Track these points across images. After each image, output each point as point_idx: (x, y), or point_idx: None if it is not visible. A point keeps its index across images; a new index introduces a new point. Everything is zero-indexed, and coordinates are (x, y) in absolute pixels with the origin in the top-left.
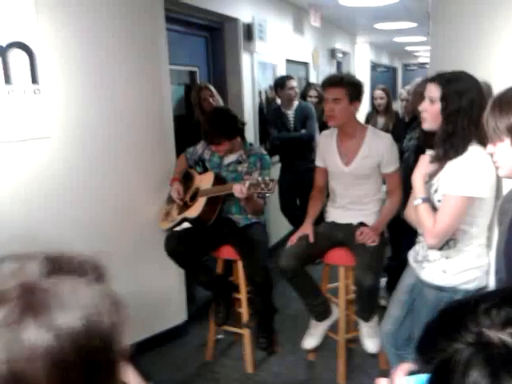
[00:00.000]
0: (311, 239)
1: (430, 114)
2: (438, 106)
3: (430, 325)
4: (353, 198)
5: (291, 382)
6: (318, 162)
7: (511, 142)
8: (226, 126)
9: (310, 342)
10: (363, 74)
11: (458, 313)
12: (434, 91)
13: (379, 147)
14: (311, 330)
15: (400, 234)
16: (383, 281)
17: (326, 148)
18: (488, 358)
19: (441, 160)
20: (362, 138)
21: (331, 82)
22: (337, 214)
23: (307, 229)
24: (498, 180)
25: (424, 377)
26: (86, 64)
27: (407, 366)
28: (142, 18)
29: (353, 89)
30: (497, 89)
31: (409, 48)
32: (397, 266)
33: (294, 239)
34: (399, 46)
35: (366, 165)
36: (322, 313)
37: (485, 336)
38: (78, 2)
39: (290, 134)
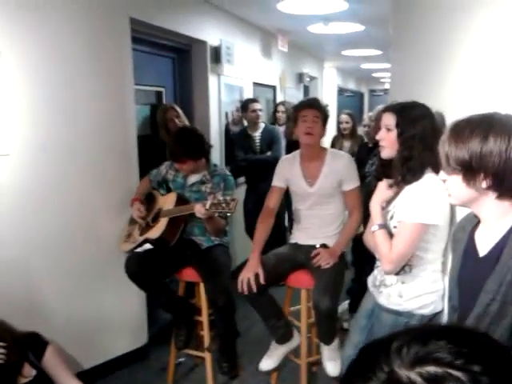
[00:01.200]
0: (262, 280)
1: (387, 142)
2: (394, 133)
3: (350, 364)
4: (317, 219)
5: None
6: (277, 182)
7: (463, 176)
8: (193, 145)
9: (268, 363)
10: (330, 99)
11: (373, 351)
12: (389, 119)
13: (338, 166)
14: (270, 352)
15: (363, 257)
16: (345, 303)
17: (289, 171)
18: None
19: (399, 184)
20: (323, 159)
21: (312, 104)
22: (300, 236)
23: (256, 267)
24: (452, 206)
25: None
26: (48, 82)
27: None
28: (108, 38)
29: (326, 116)
30: (450, 116)
31: (375, 74)
32: (359, 288)
33: (243, 283)
34: (366, 72)
35: (328, 184)
36: (283, 335)
37: (395, 375)
38: (40, 19)
39: (257, 156)
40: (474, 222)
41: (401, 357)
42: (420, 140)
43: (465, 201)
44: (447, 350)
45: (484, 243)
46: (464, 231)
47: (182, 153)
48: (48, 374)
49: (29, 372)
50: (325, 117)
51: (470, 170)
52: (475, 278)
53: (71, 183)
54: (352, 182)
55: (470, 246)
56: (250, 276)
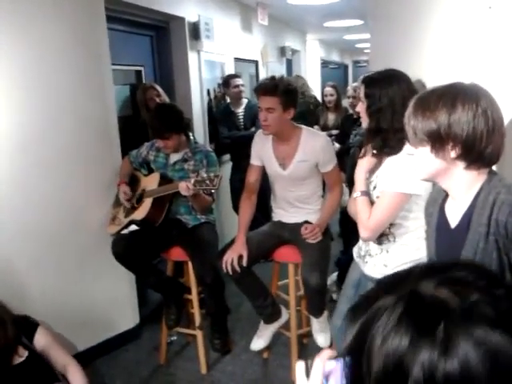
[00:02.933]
0: (244, 262)
1: (362, 113)
2: (365, 105)
3: (365, 293)
4: (293, 199)
5: (245, 381)
6: (254, 160)
7: (431, 147)
8: (174, 119)
9: (259, 343)
10: (314, 71)
11: (391, 280)
12: (361, 91)
13: (315, 149)
14: (260, 332)
15: (350, 228)
16: (334, 275)
17: (263, 148)
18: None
19: (377, 156)
20: (297, 141)
21: (265, 90)
22: (281, 214)
23: (241, 248)
24: None
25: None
26: (22, 68)
27: (328, 353)
28: (82, 19)
29: (287, 97)
30: (428, 81)
31: (358, 45)
32: (347, 259)
33: (227, 264)
34: (349, 44)
35: (303, 168)
36: (271, 315)
37: (418, 290)
38: (10, 3)
39: (241, 132)
40: (443, 194)
41: (424, 279)
42: (390, 112)
43: (433, 173)
44: (470, 276)
45: (454, 215)
46: (435, 204)
47: (166, 128)
48: (41, 353)
49: (22, 352)
50: (285, 100)
51: (438, 139)
52: (451, 251)
53: (52, 169)
54: (330, 164)
55: (442, 219)
56: (233, 257)
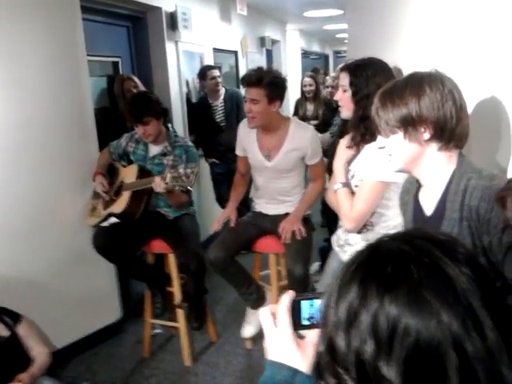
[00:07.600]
0: (232, 224)
1: (344, 102)
2: (349, 93)
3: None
4: (275, 191)
5: (229, 372)
6: (238, 152)
7: (404, 133)
8: (152, 104)
9: (249, 330)
10: (294, 62)
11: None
12: (344, 79)
13: (303, 140)
14: (248, 318)
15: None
16: (316, 264)
17: (246, 139)
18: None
19: (358, 144)
20: (285, 132)
21: (250, 81)
22: (262, 206)
23: (230, 212)
24: None
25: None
26: None
27: (292, 293)
28: (55, 9)
29: (273, 89)
30: (405, 68)
31: (339, 35)
32: (329, 248)
33: (218, 225)
34: (329, 34)
35: (289, 159)
36: (257, 300)
37: (378, 245)
38: None
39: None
40: (415, 184)
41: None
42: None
43: (409, 160)
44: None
45: (428, 203)
46: (409, 194)
47: (144, 111)
48: (21, 339)
49: (3, 331)
50: (270, 92)
51: (411, 123)
52: None
53: (28, 162)
54: (316, 157)
55: (417, 208)
56: (223, 218)
